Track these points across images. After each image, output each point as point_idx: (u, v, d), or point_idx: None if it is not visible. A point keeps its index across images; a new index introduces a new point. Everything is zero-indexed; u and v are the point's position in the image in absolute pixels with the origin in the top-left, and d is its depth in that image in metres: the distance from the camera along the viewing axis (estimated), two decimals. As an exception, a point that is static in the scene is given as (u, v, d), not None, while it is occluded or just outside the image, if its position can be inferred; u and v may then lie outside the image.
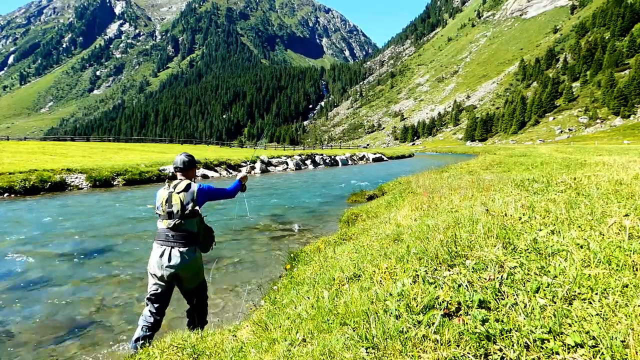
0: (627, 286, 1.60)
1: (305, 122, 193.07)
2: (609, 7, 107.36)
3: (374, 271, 2.51)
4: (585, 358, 1.28)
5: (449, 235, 2.65)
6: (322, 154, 35.85)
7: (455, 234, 2.66)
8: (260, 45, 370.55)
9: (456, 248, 2.38)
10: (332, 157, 36.96)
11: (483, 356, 1.40)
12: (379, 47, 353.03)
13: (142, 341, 2.89)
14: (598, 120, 79.38)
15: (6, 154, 21.32)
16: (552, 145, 52.57)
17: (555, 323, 1.43)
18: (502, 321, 1.52)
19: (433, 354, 1.46)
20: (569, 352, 1.31)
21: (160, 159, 21.65)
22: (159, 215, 2.99)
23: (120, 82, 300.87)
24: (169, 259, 2.87)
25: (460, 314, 1.68)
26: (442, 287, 1.91)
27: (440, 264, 2.24)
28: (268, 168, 26.41)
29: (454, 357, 1.42)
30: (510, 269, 1.95)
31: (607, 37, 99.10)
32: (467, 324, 1.56)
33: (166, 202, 2.94)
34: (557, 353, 1.32)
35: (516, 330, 1.46)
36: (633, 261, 1.80)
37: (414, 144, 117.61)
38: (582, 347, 1.32)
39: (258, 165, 25.22)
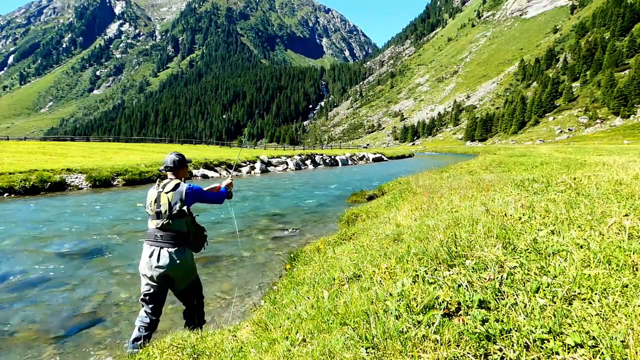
0: (627, 286, 1.60)
1: (305, 122, 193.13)
2: (609, 7, 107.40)
3: (374, 271, 2.51)
4: (585, 358, 1.28)
5: (449, 235, 2.65)
6: (322, 154, 35.85)
7: (455, 234, 2.66)
8: (260, 45, 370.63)
9: (456, 248, 2.38)
10: (332, 157, 36.95)
11: (483, 356, 1.40)
12: (379, 47, 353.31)
13: (140, 341, 2.89)
14: (598, 120, 79.39)
15: (6, 154, 21.31)
16: (552, 145, 52.59)
17: (555, 323, 1.43)
18: (502, 321, 1.52)
19: (433, 354, 1.46)
20: (569, 352, 1.31)
21: (161, 159, 21.65)
22: (149, 215, 2.97)
23: (120, 82, 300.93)
24: (158, 259, 2.84)
25: (460, 314, 1.68)
26: (442, 287, 1.91)
27: (440, 264, 2.24)
28: (268, 168, 26.41)
29: (454, 357, 1.42)
30: (510, 269, 1.95)
31: (607, 37, 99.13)
32: (467, 324, 1.56)
33: (155, 202, 2.91)
34: (557, 353, 1.32)
35: (516, 330, 1.46)
36: (633, 261, 1.80)
37: (413, 144, 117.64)
38: (582, 347, 1.32)
39: (258, 165, 25.22)
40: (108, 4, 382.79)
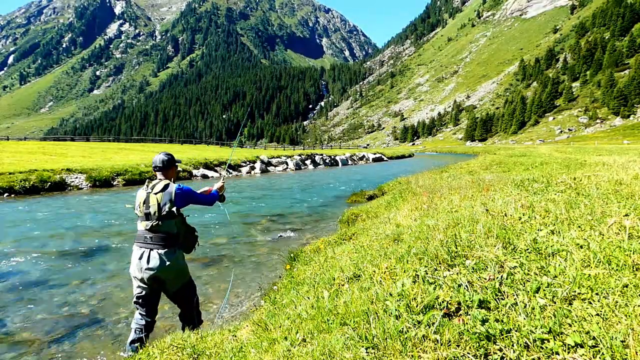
0: (627, 286, 1.60)
1: (305, 122, 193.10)
2: (609, 7, 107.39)
3: (374, 271, 2.51)
4: (585, 358, 1.28)
5: (449, 235, 2.65)
6: (322, 154, 35.85)
7: (455, 234, 2.66)
8: (260, 45, 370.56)
9: (456, 248, 2.38)
10: (332, 157, 36.96)
11: (483, 356, 1.40)
12: (379, 47, 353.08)
13: (137, 343, 2.89)
14: (598, 120, 79.39)
15: (6, 154, 21.30)
16: (551, 145, 52.60)
17: (555, 323, 1.43)
18: (502, 321, 1.52)
19: (433, 354, 1.46)
20: (569, 352, 1.31)
21: (160, 159, 21.61)
22: (138, 216, 2.92)
23: (120, 82, 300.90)
24: (148, 261, 2.81)
25: (460, 314, 1.68)
26: (442, 287, 1.91)
27: (440, 264, 2.24)
28: (268, 168, 26.41)
29: (454, 357, 1.42)
30: (510, 269, 1.95)
31: (607, 37, 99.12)
32: (467, 324, 1.56)
33: (144, 203, 2.86)
34: (557, 353, 1.32)
35: (516, 330, 1.46)
36: (633, 261, 1.80)
37: (413, 144, 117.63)
38: (582, 347, 1.32)
39: (258, 165, 25.22)
40: (108, 4, 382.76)
